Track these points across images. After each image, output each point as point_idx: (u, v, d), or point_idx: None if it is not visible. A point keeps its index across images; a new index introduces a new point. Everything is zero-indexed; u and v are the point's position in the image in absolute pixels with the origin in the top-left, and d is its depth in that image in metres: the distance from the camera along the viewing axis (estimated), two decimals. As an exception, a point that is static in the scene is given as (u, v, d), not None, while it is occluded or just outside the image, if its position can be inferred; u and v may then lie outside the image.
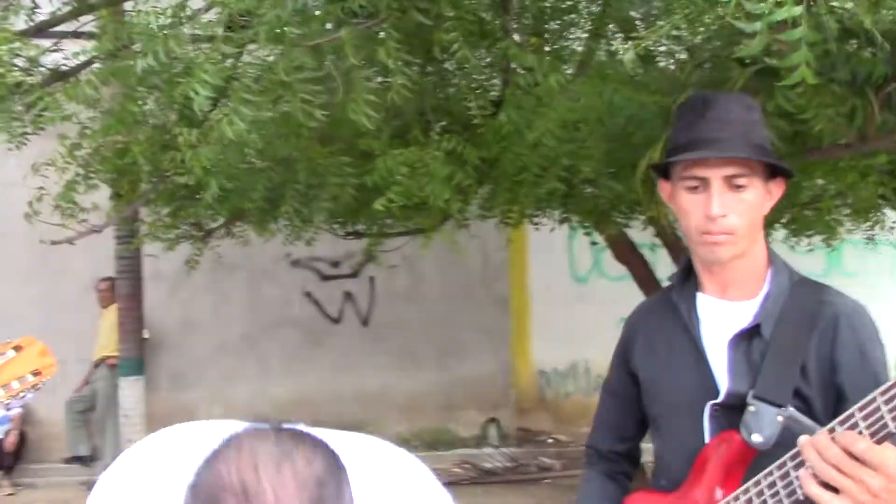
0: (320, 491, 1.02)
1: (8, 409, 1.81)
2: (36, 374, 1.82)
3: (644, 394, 2.04)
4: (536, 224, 5.88)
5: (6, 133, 4.61)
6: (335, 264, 9.88)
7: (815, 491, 1.51)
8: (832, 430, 1.51)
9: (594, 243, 6.93)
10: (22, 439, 8.70)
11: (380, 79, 3.83)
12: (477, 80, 4.79)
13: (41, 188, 4.65)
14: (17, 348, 1.81)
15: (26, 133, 4.80)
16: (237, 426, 1.28)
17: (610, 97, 3.53)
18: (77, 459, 8.62)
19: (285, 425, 1.12)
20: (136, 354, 7.41)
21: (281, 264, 9.69)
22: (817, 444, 1.51)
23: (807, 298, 1.88)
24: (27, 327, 9.12)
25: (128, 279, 7.40)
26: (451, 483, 8.15)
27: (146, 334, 8.40)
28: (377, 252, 5.92)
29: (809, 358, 1.81)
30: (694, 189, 1.87)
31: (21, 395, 1.81)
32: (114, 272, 7.74)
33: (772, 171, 1.91)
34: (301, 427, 1.13)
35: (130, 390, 7.32)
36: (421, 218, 4.88)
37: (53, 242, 4.34)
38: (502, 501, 7.98)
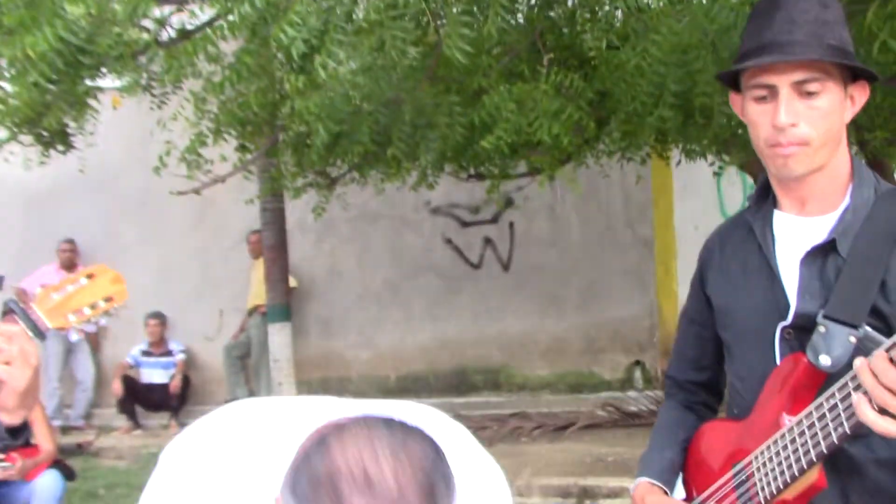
0: (433, 477, 1.04)
1: (80, 334, 1.92)
2: (108, 300, 1.90)
3: (717, 319, 1.92)
4: (666, 158, 5.67)
5: (144, 91, 4.88)
6: (475, 210, 9.91)
7: (871, 417, 1.39)
8: (890, 350, 1.38)
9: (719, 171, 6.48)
10: (186, 383, 9.31)
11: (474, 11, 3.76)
12: (598, 11, 4.64)
13: (169, 142, 4.89)
14: (90, 276, 1.90)
15: (165, 92, 5.07)
16: (315, 404, 1.31)
17: (717, 17, 3.32)
18: (235, 400, 9.15)
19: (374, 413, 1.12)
20: (282, 302, 7.72)
21: (421, 212, 9.82)
22: (874, 366, 1.38)
23: (893, 210, 1.71)
24: (187, 279, 9.75)
25: (272, 230, 7.69)
26: (595, 426, 8.10)
27: (293, 283, 8.76)
28: (496, 195, 5.85)
29: (891, 273, 1.65)
30: (762, 99, 1.72)
31: (93, 320, 1.91)
32: (260, 224, 8.08)
33: (853, 75, 1.74)
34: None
35: (278, 336, 7.65)
36: (539, 157, 4.81)
37: (179, 193, 4.57)
38: (646, 445, 7.85)
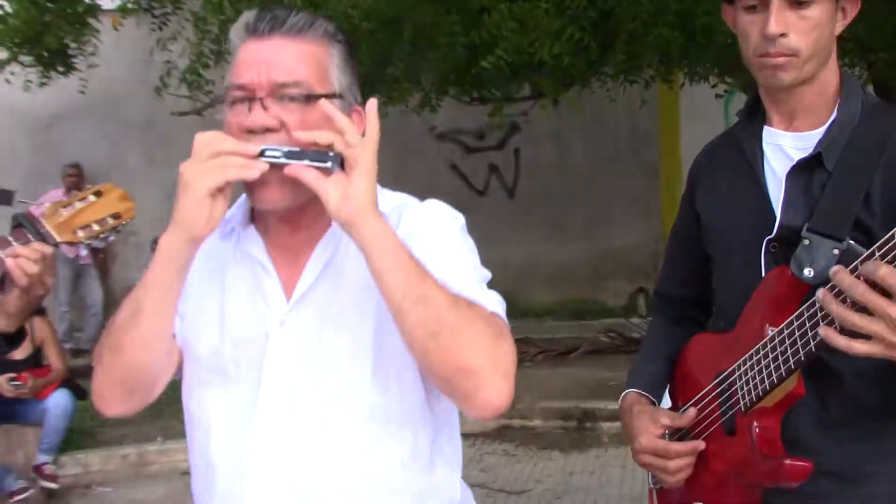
0: None
1: (88, 248, 1.95)
2: (116, 217, 1.92)
3: (705, 234, 1.94)
4: (670, 82, 5.61)
5: (144, 11, 4.83)
6: (480, 136, 9.86)
7: (843, 343, 1.43)
8: (864, 262, 1.39)
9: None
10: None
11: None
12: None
13: (168, 62, 4.86)
14: (98, 193, 1.91)
15: (165, 13, 5.02)
16: None
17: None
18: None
19: None
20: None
21: (426, 138, 9.78)
22: (840, 281, 1.41)
23: (879, 124, 1.70)
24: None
25: (276, 155, 7.70)
26: (598, 351, 8.19)
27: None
28: (499, 118, 5.82)
29: (874, 186, 1.65)
30: (752, 9, 1.70)
31: (101, 235, 1.93)
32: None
33: None
34: None
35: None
36: (539, 79, 4.77)
37: (181, 114, 4.56)
38: (647, 369, 7.94)
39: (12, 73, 5.72)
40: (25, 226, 1.83)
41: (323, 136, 1.31)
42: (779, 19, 1.65)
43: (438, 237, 1.46)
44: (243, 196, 1.49)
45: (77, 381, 5.88)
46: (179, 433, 6.03)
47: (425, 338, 1.29)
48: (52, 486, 5.54)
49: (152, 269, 1.37)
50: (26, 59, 5.42)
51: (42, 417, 5.55)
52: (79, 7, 4.15)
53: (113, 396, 1.48)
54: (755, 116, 1.86)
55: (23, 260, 1.74)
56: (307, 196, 1.36)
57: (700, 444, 1.81)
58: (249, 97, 1.38)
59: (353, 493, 1.43)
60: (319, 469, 1.42)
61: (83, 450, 6.09)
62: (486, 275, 1.50)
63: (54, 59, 5.55)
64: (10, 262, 1.73)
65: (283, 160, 1.32)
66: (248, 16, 1.43)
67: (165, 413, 6.92)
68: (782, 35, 1.66)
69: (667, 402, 2.05)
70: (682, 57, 4.68)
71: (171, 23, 5.23)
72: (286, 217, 1.46)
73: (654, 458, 1.83)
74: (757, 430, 1.67)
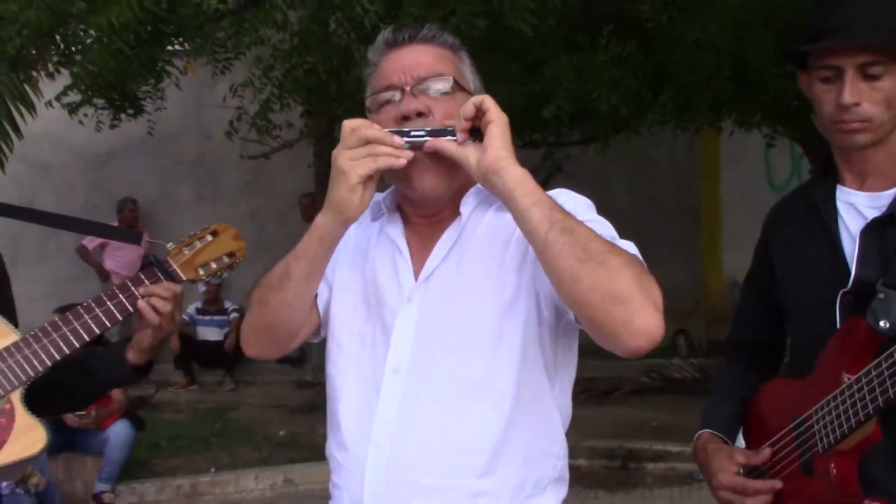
0: None
1: (206, 285, 2.10)
2: (230, 255, 2.08)
3: (780, 285, 2.05)
4: (719, 129, 5.73)
5: (209, 56, 5.05)
6: (522, 177, 9.99)
7: None
8: None
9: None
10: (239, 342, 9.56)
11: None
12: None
13: (240, 108, 5.06)
14: (214, 233, 2.08)
15: (228, 58, 5.25)
16: None
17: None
18: (287, 360, 9.35)
19: None
20: (336, 263, 7.90)
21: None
22: None
23: None
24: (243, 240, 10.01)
25: (325, 193, 7.85)
26: (639, 392, 8.23)
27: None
28: (561, 162, 5.97)
29: None
30: (827, 80, 1.83)
31: (218, 273, 2.08)
32: (314, 188, 8.26)
33: None
34: None
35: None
36: (595, 125, 4.91)
37: (251, 157, 4.75)
38: (689, 412, 7.93)
39: (85, 115, 5.98)
40: (155, 265, 2.00)
41: (469, 110, 1.44)
42: (853, 90, 1.78)
43: (574, 207, 1.54)
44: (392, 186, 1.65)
45: (136, 413, 6.04)
46: (229, 465, 6.18)
47: (574, 265, 1.36)
48: (111, 513, 5.68)
49: (305, 241, 1.54)
50: (99, 101, 5.68)
51: (103, 447, 5.70)
52: (159, 55, 4.38)
53: (257, 342, 1.67)
54: (828, 175, 1.98)
55: (156, 299, 1.90)
56: (457, 182, 1.54)
57: (777, 484, 1.90)
58: (400, 91, 1.54)
59: (462, 464, 1.53)
60: (431, 437, 1.53)
61: (138, 480, 6.24)
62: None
63: (125, 103, 5.82)
64: (142, 304, 1.89)
65: (426, 138, 1.46)
66: (385, 33, 1.62)
67: (215, 445, 7.12)
68: (856, 104, 1.78)
69: (740, 443, 2.14)
70: (734, 107, 4.81)
71: (233, 67, 5.44)
72: (425, 212, 1.63)
73: (733, 496, 1.93)
74: (835, 470, 1.77)
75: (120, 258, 9.40)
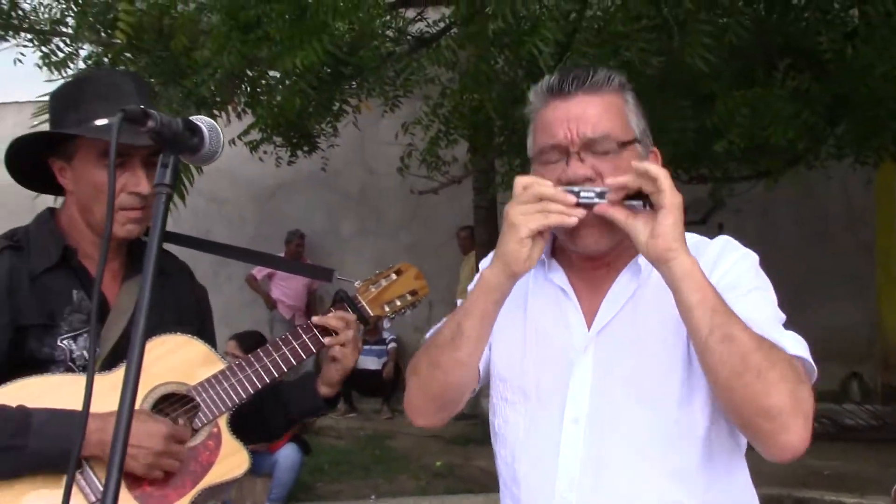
0: None
1: (391, 320, 2.18)
2: (413, 293, 2.17)
3: None
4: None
5: (381, 97, 5.26)
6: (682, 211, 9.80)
7: None
8: None
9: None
10: (397, 371, 9.78)
11: (719, 21, 3.82)
12: (830, 12, 4.55)
13: (410, 145, 5.22)
14: (398, 272, 2.18)
15: (398, 96, 5.45)
16: None
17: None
18: (445, 391, 9.45)
19: None
20: (493, 297, 7.95)
21: (629, 212, 9.81)
22: None
23: None
24: (401, 271, 10.27)
25: (485, 228, 7.95)
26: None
27: (503, 279, 8.99)
28: (720, 195, 5.82)
29: None
30: None
31: (402, 311, 2.16)
32: (472, 221, 8.37)
33: None
34: None
35: (489, 329, 7.89)
36: (767, 160, 4.77)
37: (421, 192, 4.89)
38: (865, 462, 7.50)
39: (265, 152, 6.34)
40: (346, 301, 2.10)
41: (633, 181, 1.42)
42: None
43: (738, 274, 1.53)
44: None
45: (304, 437, 6.27)
46: (388, 492, 6.30)
47: (729, 377, 1.36)
48: (279, 534, 5.89)
49: (473, 297, 1.53)
50: (277, 139, 6.01)
51: (272, 469, 5.93)
52: (337, 95, 4.61)
53: (426, 409, 1.68)
54: None
55: (346, 344, 2.00)
56: (619, 238, 1.51)
57: None
58: (566, 152, 1.52)
59: None
60: (623, 490, 1.50)
61: (304, 503, 6.45)
62: (782, 316, 1.54)
63: (301, 140, 6.13)
64: (337, 350, 2.00)
65: (597, 200, 1.45)
66: (550, 80, 1.58)
67: (375, 472, 7.28)
68: None
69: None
70: (920, 138, 4.58)
71: (401, 105, 5.63)
72: (592, 258, 1.60)
73: None
74: None
75: (286, 287, 9.83)
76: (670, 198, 1.39)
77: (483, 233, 8.05)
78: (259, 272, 9.86)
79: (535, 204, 1.43)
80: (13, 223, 1.90)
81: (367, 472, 7.25)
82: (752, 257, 1.60)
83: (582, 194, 1.45)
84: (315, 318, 2.04)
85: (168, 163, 1.29)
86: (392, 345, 9.82)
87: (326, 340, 2.01)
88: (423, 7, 5.46)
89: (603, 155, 1.51)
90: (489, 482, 1.61)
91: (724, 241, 1.61)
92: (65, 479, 1.67)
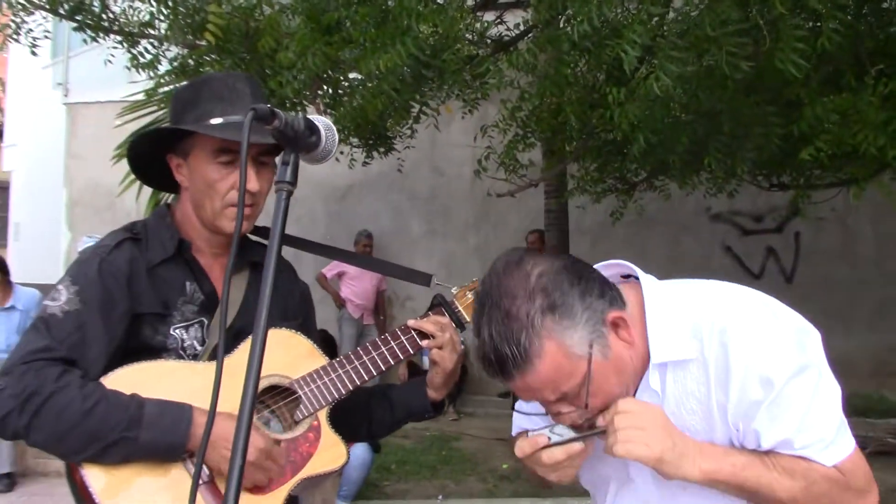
0: (521, 288, 1.38)
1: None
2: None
3: None
4: None
5: (460, 100, 5.28)
6: (758, 219, 9.64)
7: None
8: None
9: None
10: (464, 373, 9.79)
11: (809, 24, 3.75)
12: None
13: (489, 147, 5.23)
14: (483, 285, 2.18)
15: (476, 99, 5.46)
16: None
17: None
18: (509, 395, 9.44)
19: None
20: (563, 301, 7.90)
21: (701, 218, 9.70)
22: None
23: None
24: (469, 274, 10.31)
25: (555, 231, 7.92)
26: (884, 453, 7.62)
27: (571, 284, 8.94)
28: (804, 205, 5.71)
29: None
30: None
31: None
32: (543, 225, 8.35)
33: None
34: None
35: (559, 334, 7.85)
36: (853, 168, 4.66)
37: (499, 195, 4.89)
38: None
39: (341, 153, 6.41)
40: (444, 306, 2.12)
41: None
42: None
43: (773, 391, 1.42)
44: None
45: (374, 436, 6.31)
46: (455, 493, 6.29)
47: None
48: (348, 530, 5.95)
49: None
50: (353, 140, 6.08)
51: (342, 466, 5.98)
52: (418, 98, 4.66)
53: None
54: None
55: (443, 347, 2.02)
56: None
57: None
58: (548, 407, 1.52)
59: None
60: None
61: (372, 500, 6.50)
62: (834, 416, 1.45)
63: (377, 141, 6.19)
64: (435, 353, 2.02)
65: (579, 439, 1.48)
66: (482, 365, 1.48)
67: (441, 473, 7.30)
68: None
69: None
70: None
71: (479, 106, 5.63)
72: None
73: None
74: None
75: (355, 287, 9.93)
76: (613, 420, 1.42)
77: (553, 237, 8.02)
78: (329, 271, 9.97)
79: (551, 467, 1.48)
80: (96, 220, 1.97)
81: (433, 473, 7.27)
82: (794, 359, 1.43)
83: (555, 437, 1.48)
84: (411, 322, 2.07)
85: (289, 160, 1.32)
86: (460, 347, 9.79)
87: (424, 343, 2.04)
88: (503, 11, 5.47)
89: (576, 396, 1.46)
90: (556, 486, 1.63)
91: (761, 340, 1.45)
92: (166, 466, 1.74)
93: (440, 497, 6.59)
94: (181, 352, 1.86)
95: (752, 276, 9.64)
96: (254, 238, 2.06)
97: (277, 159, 1.90)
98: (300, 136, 1.33)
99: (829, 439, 1.42)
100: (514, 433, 1.75)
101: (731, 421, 1.44)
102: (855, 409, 8.83)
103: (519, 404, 1.76)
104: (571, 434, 1.48)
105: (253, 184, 1.85)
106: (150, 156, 1.96)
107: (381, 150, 6.33)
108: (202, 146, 1.87)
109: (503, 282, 1.45)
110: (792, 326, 1.46)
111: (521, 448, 1.48)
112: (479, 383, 10.10)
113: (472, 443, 8.32)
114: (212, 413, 1.25)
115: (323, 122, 1.39)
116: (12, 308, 6.91)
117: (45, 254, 12.21)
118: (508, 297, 1.43)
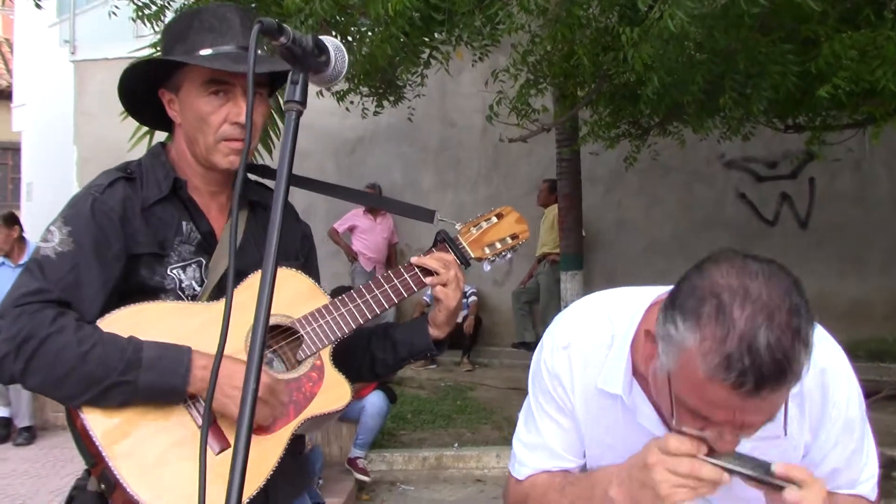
0: (797, 300, 1.25)
1: (491, 265, 2.15)
2: (514, 237, 2.14)
3: None
4: None
5: (470, 46, 5.20)
6: (772, 165, 9.56)
7: None
8: None
9: None
10: (478, 323, 9.82)
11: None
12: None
13: (500, 92, 5.16)
14: (499, 215, 2.15)
15: (486, 46, 5.37)
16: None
17: None
18: (523, 345, 9.49)
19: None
20: (576, 251, 7.88)
21: (714, 165, 9.62)
22: None
23: None
24: (481, 225, 10.29)
25: (567, 180, 7.84)
26: (898, 397, 7.63)
27: (583, 233, 8.93)
28: (816, 147, 5.62)
29: None
30: None
31: (503, 254, 2.14)
32: (555, 174, 8.28)
33: None
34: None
35: (570, 283, 7.85)
36: (871, 106, 4.59)
37: (511, 140, 4.84)
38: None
39: (351, 102, 6.35)
40: (447, 242, 2.09)
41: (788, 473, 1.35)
42: None
43: (853, 438, 1.54)
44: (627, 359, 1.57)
45: (390, 385, 6.36)
46: (471, 441, 6.32)
47: None
48: (365, 478, 6.00)
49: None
50: (363, 89, 6.01)
51: (359, 415, 6.02)
52: (428, 43, 4.58)
53: None
54: None
55: (447, 284, 1.99)
56: None
57: None
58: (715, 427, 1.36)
59: None
60: None
61: (388, 449, 6.57)
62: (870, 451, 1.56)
63: (386, 91, 6.13)
64: (438, 290, 2.00)
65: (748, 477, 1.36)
66: (733, 368, 1.25)
67: (457, 422, 7.35)
68: None
69: None
70: None
71: (490, 53, 5.55)
72: None
73: None
74: None
75: (367, 241, 9.93)
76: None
77: (565, 185, 7.94)
78: (340, 225, 9.96)
79: (689, 480, 1.35)
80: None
81: (449, 422, 7.32)
82: (855, 389, 1.56)
83: (735, 472, 1.35)
84: (414, 259, 2.04)
85: (297, 80, 1.28)
86: (472, 298, 9.82)
87: (428, 280, 2.01)
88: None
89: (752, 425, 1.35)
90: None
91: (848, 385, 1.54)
92: (167, 409, 1.72)
93: (456, 445, 6.64)
94: (179, 292, 1.83)
95: (766, 223, 9.58)
96: (252, 177, 2.02)
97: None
98: (308, 54, 1.29)
99: (877, 477, 1.53)
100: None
101: (804, 456, 1.52)
102: (869, 352, 8.83)
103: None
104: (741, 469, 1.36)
105: (245, 117, 1.81)
106: (146, 93, 1.92)
107: (392, 98, 6.26)
108: (192, 78, 1.83)
109: (773, 291, 1.27)
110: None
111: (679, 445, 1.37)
112: (492, 334, 10.13)
113: (487, 392, 8.36)
114: (219, 354, 1.23)
115: (332, 42, 1.35)
116: (28, 264, 6.93)
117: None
118: (791, 309, 1.26)
